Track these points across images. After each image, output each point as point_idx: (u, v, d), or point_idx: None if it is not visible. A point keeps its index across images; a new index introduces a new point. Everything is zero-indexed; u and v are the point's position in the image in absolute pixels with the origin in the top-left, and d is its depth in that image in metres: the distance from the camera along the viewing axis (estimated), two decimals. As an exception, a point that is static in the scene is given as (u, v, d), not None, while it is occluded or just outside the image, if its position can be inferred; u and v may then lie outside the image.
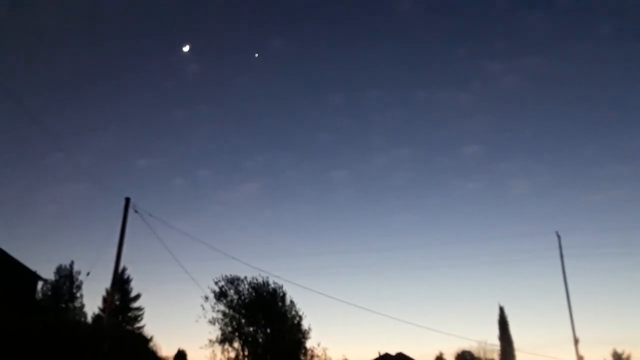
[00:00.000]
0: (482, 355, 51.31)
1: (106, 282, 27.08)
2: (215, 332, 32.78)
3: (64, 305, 37.70)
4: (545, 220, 71.54)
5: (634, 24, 74.81)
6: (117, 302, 37.66)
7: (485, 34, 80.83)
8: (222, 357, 32.58)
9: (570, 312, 31.93)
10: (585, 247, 55.38)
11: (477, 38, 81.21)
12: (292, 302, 34.48)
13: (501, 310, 51.94)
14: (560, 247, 33.42)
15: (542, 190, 78.75)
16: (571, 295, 32.47)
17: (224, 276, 34.08)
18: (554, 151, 79.80)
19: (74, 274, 39.27)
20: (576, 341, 31.14)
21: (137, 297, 41.63)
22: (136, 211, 21.96)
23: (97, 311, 38.35)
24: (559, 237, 33.64)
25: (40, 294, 34.41)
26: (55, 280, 38.38)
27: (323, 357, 34.25)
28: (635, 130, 75.14)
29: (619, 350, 53.71)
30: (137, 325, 40.66)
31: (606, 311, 65.33)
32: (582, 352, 31.18)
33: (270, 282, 34.32)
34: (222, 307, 33.43)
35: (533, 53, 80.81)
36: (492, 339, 50.17)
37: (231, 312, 33.44)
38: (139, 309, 41.59)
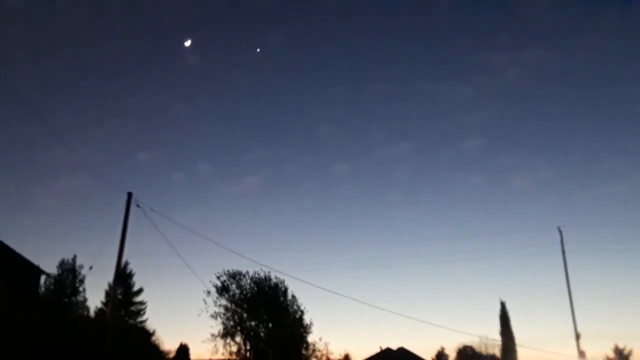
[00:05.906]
0: (483, 350, 51.42)
1: (109, 277, 27.18)
2: (217, 326, 33.04)
3: (66, 300, 37.70)
4: (547, 215, 71.25)
5: (639, 16, 74.39)
6: (120, 297, 37.73)
7: (488, 26, 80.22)
8: (224, 351, 32.78)
9: (572, 308, 31.95)
10: (587, 242, 55.42)
11: (480, 30, 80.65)
12: (293, 296, 34.66)
13: (502, 305, 51.91)
14: (562, 242, 33.43)
15: (543, 185, 78.64)
16: (573, 290, 32.49)
17: (225, 271, 34.29)
18: (555, 145, 79.51)
19: (76, 268, 39.20)
20: (578, 336, 31.17)
21: (140, 291, 41.73)
22: (138, 206, 22.03)
23: (99, 305, 38.40)
24: (560, 232, 33.64)
25: (43, 288, 34.44)
26: (58, 275, 38.34)
27: (324, 351, 34.43)
28: (638, 124, 74.76)
29: (621, 346, 53.69)
30: (140, 319, 40.76)
31: (608, 306, 65.17)
32: (583, 347, 31.19)
33: (272, 276, 34.49)
34: (224, 301, 33.65)
35: (536, 45, 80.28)
36: (494, 334, 50.12)
37: (233, 306, 33.61)
38: (141, 303, 41.66)
